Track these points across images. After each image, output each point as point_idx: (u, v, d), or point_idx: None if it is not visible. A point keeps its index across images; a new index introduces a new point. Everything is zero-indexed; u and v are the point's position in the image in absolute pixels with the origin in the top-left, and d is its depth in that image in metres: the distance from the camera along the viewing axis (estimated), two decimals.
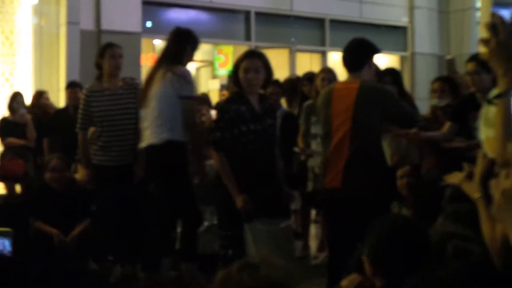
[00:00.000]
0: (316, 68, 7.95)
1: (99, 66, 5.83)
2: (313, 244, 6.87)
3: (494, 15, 2.03)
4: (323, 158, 4.75)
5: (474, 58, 5.07)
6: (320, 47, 13.38)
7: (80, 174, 6.13)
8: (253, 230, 4.34)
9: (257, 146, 4.54)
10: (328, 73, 6.09)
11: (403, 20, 14.19)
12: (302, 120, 6.11)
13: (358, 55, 4.70)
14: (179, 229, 5.46)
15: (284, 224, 4.56)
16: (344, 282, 2.64)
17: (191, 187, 5.29)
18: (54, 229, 5.40)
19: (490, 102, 2.05)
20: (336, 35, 13.24)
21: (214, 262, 4.95)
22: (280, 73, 12.54)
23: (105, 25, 10.31)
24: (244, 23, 12.42)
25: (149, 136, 5.25)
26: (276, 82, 6.53)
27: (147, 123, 5.29)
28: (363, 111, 4.48)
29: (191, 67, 14.09)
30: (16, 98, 8.21)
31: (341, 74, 6.41)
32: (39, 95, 8.56)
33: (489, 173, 2.33)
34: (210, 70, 13.80)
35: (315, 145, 5.98)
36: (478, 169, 2.39)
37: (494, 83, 4.81)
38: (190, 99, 5.29)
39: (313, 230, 7.32)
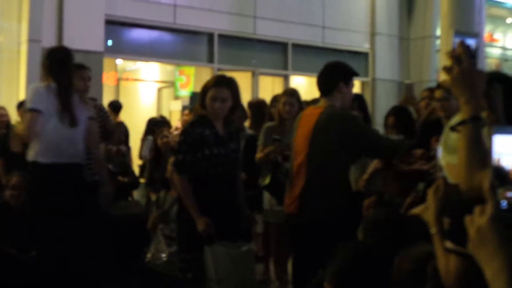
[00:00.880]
0: (278, 91, 7.97)
1: None
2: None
3: (458, 44, 2.07)
4: (288, 182, 4.74)
5: (442, 85, 5.16)
6: (283, 70, 13.45)
7: None
8: (214, 253, 4.31)
9: (219, 170, 4.52)
10: (290, 97, 6.08)
11: (365, 46, 14.38)
12: (260, 141, 6.07)
13: (328, 80, 4.62)
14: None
15: (245, 248, 4.54)
16: None
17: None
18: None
19: (453, 129, 2.08)
20: (298, 59, 13.35)
21: (173, 285, 4.89)
22: (243, 96, 12.59)
23: (67, 43, 10.19)
24: (207, 45, 12.43)
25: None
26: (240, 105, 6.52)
27: None
28: (320, 137, 4.44)
29: (153, 87, 14.13)
30: None
31: (304, 98, 6.49)
32: None
33: (444, 208, 2.37)
34: (172, 91, 13.76)
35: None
36: (432, 205, 2.43)
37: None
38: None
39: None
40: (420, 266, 2.49)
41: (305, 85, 13.81)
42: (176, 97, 13.51)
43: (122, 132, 9.71)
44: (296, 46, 13.38)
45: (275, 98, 6.74)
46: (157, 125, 9.86)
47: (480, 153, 1.99)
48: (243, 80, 12.69)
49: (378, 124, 10.21)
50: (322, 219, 4.39)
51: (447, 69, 2.09)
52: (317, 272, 2.84)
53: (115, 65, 12.77)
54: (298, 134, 4.63)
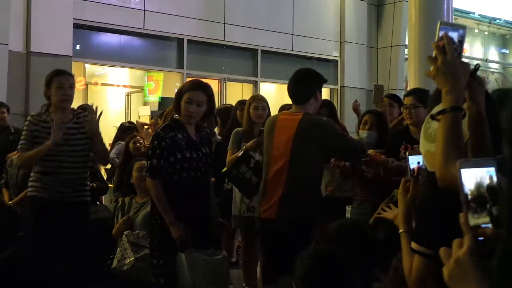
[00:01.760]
0: (247, 97, 7.99)
1: (47, 97, 5.27)
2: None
3: (444, 35, 2.10)
4: (262, 187, 4.77)
5: (412, 93, 5.28)
6: (252, 77, 13.47)
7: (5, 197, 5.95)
8: (190, 259, 4.30)
9: (192, 174, 4.51)
10: (260, 101, 6.12)
11: (334, 54, 14.46)
12: (230, 145, 6.07)
13: (304, 88, 4.72)
14: None
15: (220, 255, 4.54)
16: None
17: None
18: None
19: (433, 118, 2.10)
20: (268, 66, 13.39)
21: None
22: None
23: (34, 47, 10.13)
24: (176, 51, 12.41)
25: None
26: None
27: None
28: (302, 144, 4.54)
29: (122, 92, 14.04)
30: None
31: (272, 104, 6.51)
32: None
33: (412, 208, 2.42)
34: (141, 96, 13.70)
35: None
36: (400, 205, 2.47)
37: None
38: None
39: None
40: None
41: (274, 92, 13.85)
42: (145, 103, 13.45)
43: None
44: (266, 53, 13.41)
45: (241, 102, 6.73)
46: (125, 131, 9.82)
47: (457, 142, 2.03)
48: (212, 86, 12.68)
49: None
50: (300, 224, 4.48)
51: (431, 59, 2.11)
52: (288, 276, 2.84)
53: (84, 69, 12.66)
54: (276, 140, 4.68)
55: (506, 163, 1.45)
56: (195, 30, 12.32)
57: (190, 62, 12.43)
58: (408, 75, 9.90)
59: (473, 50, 18.82)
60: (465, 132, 2.13)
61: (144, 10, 11.66)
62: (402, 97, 6.34)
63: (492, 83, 18.95)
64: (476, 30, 18.53)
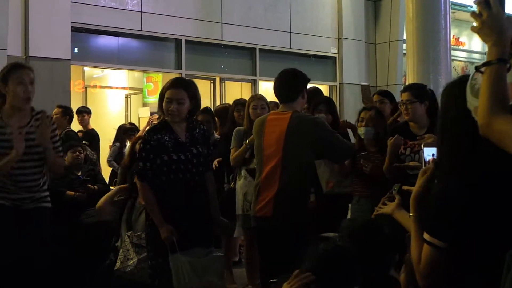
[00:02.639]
0: (247, 97, 8.00)
1: (0, 95, 4.55)
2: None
3: None
4: (255, 186, 4.79)
5: (408, 88, 5.29)
6: (251, 76, 13.48)
7: None
8: (176, 262, 4.31)
9: (180, 176, 4.50)
10: (259, 100, 6.15)
11: (332, 51, 14.46)
12: (233, 144, 6.09)
13: (291, 87, 4.78)
14: None
15: (213, 254, 4.53)
16: None
17: None
18: None
19: (477, 69, 2.11)
20: (266, 64, 13.39)
21: None
22: (211, 102, 12.61)
23: (33, 51, 10.14)
24: (174, 51, 12.41)
25: None
26: (208, 110, 6.54)
27: None
28: (294, 142, 4.58)
29: (121, 94, 14.05)
30: None
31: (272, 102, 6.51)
32: None
33: (427, 192, 2.39)
34: (140, 98, 13.71)
35: (243, 171, 6.01)
36: (416, 187, 2.44)
37: (427, 112, 5.03)
38: None
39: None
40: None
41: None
42: (144, 104, 13.47)
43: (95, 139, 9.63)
44: (264, 51, 13.42)
45: (237, 102, 6.73)
46: (126, 132, 9.84)
47: (502, 93, 2.02)
48: (210, 86, 12.73)
49: None
50: (296, 222, 4.52)
51: (475, 14, 2.13)
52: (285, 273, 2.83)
53: (83, 72, 12.67)
54: (267, 139, 4.72)
55: None
56: (192, 30, 12.32)
57: (188, 63, 12.42)
58: (407, 70, 9.91)
59: (472, 43, 18.80)
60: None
61: (141, 11, 11.66)
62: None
63: None
64: (475, 23, 18.47)
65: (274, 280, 2.80)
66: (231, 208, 6.05)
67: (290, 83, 4.79)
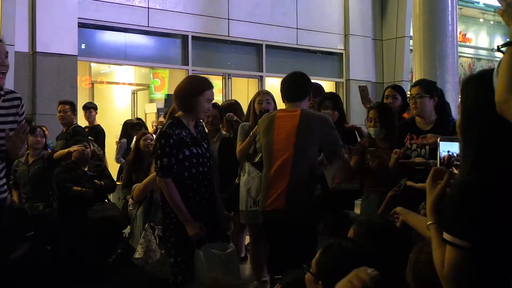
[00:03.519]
0: (253, 93, 8.00)
1: None
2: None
3: None
4: (264, 181, 4.86)
5: (418, 83, 5.32)
6: (257, 72, 13.48)
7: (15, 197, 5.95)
8: (207, 255, 4.32)
9: (200, 170, 4.52)
10: (264, 95, 6.17)
11: (339, 47, 14.44)
12: (238, 138, 6.08)
13: (300, 88, 5.00)
14: None
15: (230, 249, 4.57)
16: None
17: None
18: None
19: (499, 49, 2.10)
20: (273, 60, 13.38)
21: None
22: (217, 98, 12.60)
23: (40, 47, 10.17)
24: (181, 47, 12.42)
25: None
26: (216, 105, 6.54)
27: None
28: (305, 138, 4.71)
29: (127, 90, 14.08)
30: None
31: (278, 98, 6.50)
32: None
33: (442, 197, 2.31)
34: (147, 94, 13.73)
35: (247, 166, 6.00)
36: (430, 195, 2.36)
37: (435, 108, 5.05)
38: None
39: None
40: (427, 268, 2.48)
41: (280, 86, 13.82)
42: (151, 100, 13.49)
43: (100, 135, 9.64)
44: (270, 48, 13.41)
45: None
46: (133, 128, 9.86)
47: None
48: (217, 82, 12.73)
49: (353, 124, 10.30)
50: (306, 214, 4.63)
51: None
52: (295, 266, 2.82)
53: (89, 68, 12.69)
54: (277, 135, 4.82)
55: None
56: (199, 26, 12.34)
57: (195, 59, 12.44)
58: (413, 66, 9.88)
59: (479, 40, 18.76)
60: None
61: (148, 7, 11.68)
62: (409, 88, 6.33)
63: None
64: (481, 20, 18.45)
65: (279, 276, 2.80)
66: (237, 204, 6.07)
67: (300, 85, 5.03)
